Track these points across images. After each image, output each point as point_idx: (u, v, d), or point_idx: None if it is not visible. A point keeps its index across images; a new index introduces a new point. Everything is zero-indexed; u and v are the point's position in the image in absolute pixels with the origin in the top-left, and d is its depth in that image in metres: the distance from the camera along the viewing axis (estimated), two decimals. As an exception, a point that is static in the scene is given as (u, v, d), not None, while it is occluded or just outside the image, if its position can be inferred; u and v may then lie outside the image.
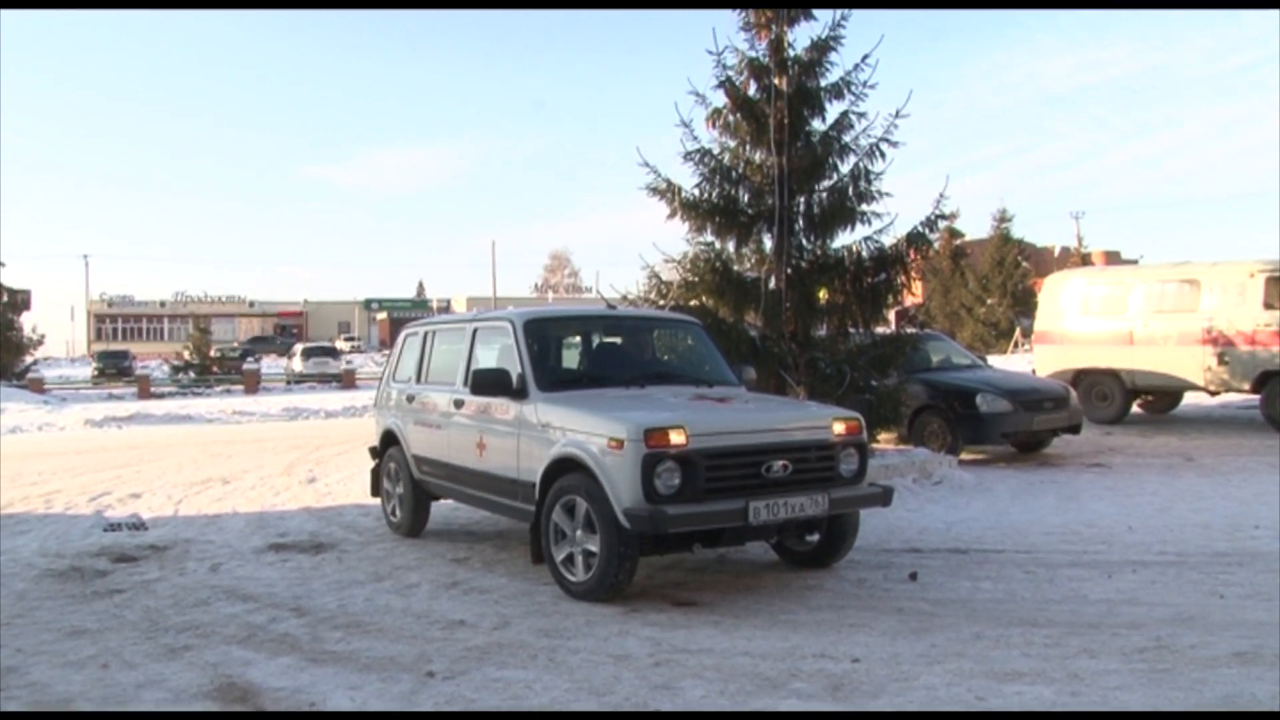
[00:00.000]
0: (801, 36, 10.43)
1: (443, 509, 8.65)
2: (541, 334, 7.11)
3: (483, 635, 5.31)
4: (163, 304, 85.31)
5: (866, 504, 6.34)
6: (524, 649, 5.04)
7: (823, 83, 10.42)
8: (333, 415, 22.55)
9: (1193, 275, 14.61)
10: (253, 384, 36.47)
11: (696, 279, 10.11)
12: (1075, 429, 12.25)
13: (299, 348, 48.47)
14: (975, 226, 51.19)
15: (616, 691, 4.39)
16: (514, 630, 5.39)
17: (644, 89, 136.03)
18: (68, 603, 6.19)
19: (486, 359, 7.36)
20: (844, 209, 10.18)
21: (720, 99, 10.40)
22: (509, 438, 6.68)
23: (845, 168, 10.26)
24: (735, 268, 10.29)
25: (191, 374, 39.86)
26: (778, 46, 10.39)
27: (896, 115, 10.09)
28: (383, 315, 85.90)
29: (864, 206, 10.20)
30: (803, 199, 10.30)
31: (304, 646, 5.17)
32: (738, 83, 10.39)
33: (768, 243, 10.30)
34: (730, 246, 10.37)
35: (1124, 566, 6.60)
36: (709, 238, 10.31)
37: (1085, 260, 49.83)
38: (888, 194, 10.27)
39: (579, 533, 5.95)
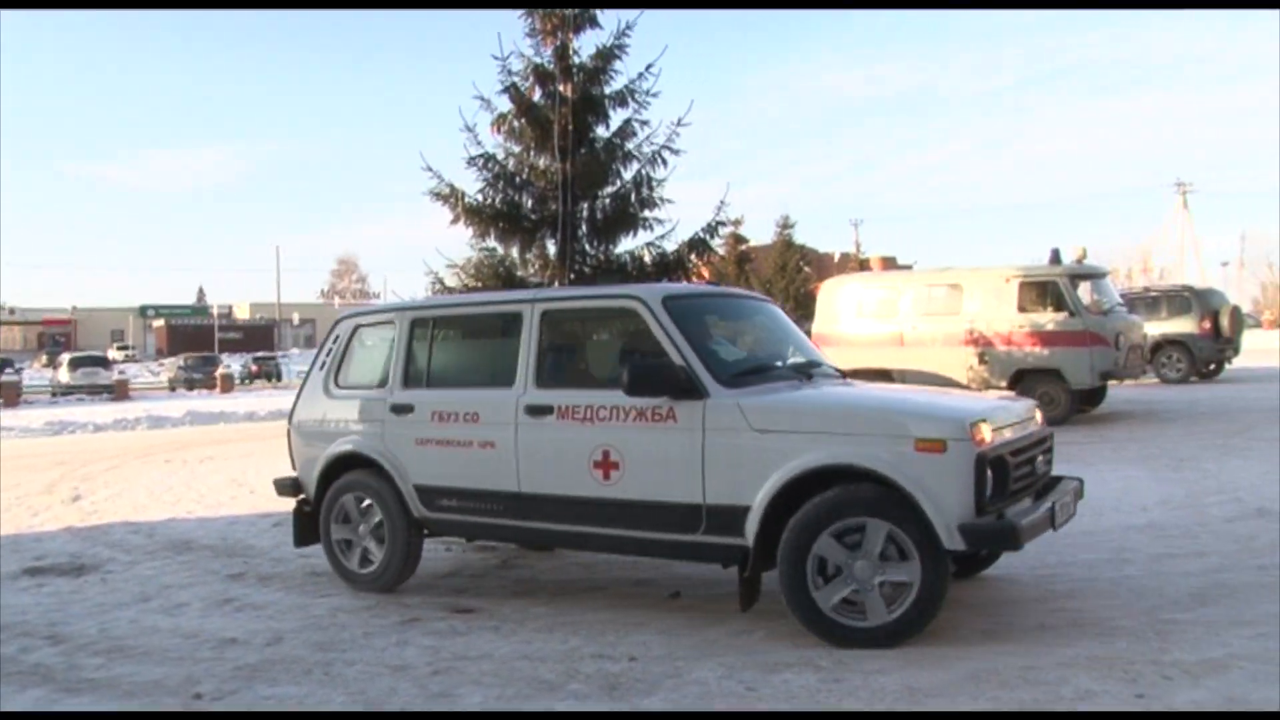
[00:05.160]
0: (587, 44, 10.60)
1: (219, 519, 8.31)
2: (691, 315, 5.62)
3: (255, 653, 5.14)
4: (-91, 311, 78.82)
5: (1075, 499, 5.61)
6: (298, 664, 4.91)
7: (607, 90, 10.61)
8: (102, 429, 21.36)
9: (955, 280, 15.46)
10: (12, 397, 34.13)
11: (480, 285, 10.09)
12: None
13: (65, 357, 45.58)
14: (761, 232, 52.82)
15: (393, 702, 4.34)
16: (288, 646, 5.24)
17: (431, 93, 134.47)
18: None
19: (568, 350, 6.08)
20: (627, 215, 10.38)
21: (505, 104, 10.47)
22: (681, 448, 5.20)
23: (628, 174, 10.48)
24: (519, 273, 10.34)
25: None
26: (563, 53, 10.52)
27: (678, 123, 10.38)
28: (160, 322, 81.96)
29: (647, 213, 10.44)
30: (586, 205, 10.44)
31: (58, 676, 4.89)
32: (523, 88, 10.47)
33: (551, 248, 10.41)
34: (514, 252, 10.43)
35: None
36: (492, 243, 10.33)
37: (863, 265, 52.07)
38: (670, 200, 10.56)
39: (861, 563, 4.78)
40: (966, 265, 15.86)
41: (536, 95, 10.51)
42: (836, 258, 60.85)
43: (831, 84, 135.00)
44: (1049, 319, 14.01)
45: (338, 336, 6.82)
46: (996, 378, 14.82)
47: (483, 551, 7.45)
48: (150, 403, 32.83)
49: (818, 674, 4.47)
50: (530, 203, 10.37)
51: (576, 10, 10.45)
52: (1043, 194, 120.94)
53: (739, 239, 47.93)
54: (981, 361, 14.82)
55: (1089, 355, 13.75)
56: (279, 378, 48.80)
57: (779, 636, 5.07)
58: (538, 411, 5.64)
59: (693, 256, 10.47)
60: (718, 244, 10.93)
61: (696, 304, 5.84)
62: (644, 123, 10.54)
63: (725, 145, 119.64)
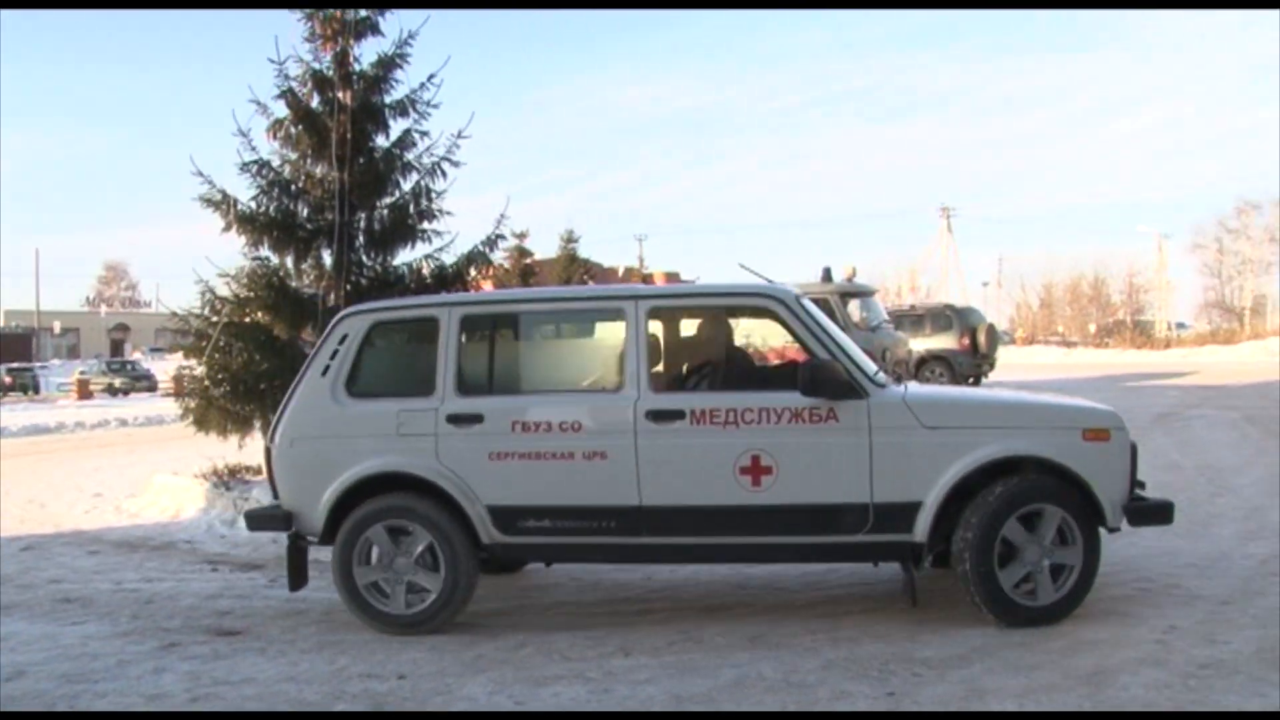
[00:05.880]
0: (368, 51, 10.41)
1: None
2: (820, 314, 5.59)
3: (-9, 689, 4.80)
4: None
5: None
6: (40, 699, 4.62)
7: (388, 99, 10.44)
8: None
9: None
10: None
11: (252, 295, 9.74)
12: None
13: None
14: (546, 245, 52.94)
15: (144, 734, 4.15)
16: (30, 680, 4.90)
17: (205, 94, 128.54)
18: None
19: (689, 350, 5.83)
20: (405, 226, 10.26)
21: (282, 110, 10.13)
22: (845, 449, 5.16)
23: (407, 185, 10.35)
24: (293, 283, 10.04)
25: None
26: (343, 60, 10.29)
27: (459, 135, 10.31)
28: (-103, 332, 75.40)
29: (426, 224, 10.33)
30: (364, 215, 10.25)
31: None
32: (300, 94, 10.19)
33: (327, 259, 10.14)
34: (289, 262, 10.11)
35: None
36: (266, 252, 10.00)
37: (646, 280, 53.03)
38: (449, 213, 10.48)
39: (1032, 547, 5.11)
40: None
41: (315, 102, 10.25)
42: (621, 272, 61.61)
43: (618, 99, 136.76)
44: (820, 334, 14.59)
45: (345, 336, 5.74)
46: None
47: (250, 570, 7.18)
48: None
49: (587, 685, 4.53)
50: (306, 211, 10.10)
51: (358, 15, 10.26)
52: (820, 212, 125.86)
53: (524, 252, 47.93)
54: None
55: (857, 369, 14.39)
56: (36, 390, 45.56)
57: (549, 650, 5.11)
58: (665, 417, 5.26)
59: (472, 270, 10.46)
60: (501, 257, 10.90)
61: (812, 305, 5.66)
62: (424, 133, 10.45)
63: (512, 158, 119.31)
